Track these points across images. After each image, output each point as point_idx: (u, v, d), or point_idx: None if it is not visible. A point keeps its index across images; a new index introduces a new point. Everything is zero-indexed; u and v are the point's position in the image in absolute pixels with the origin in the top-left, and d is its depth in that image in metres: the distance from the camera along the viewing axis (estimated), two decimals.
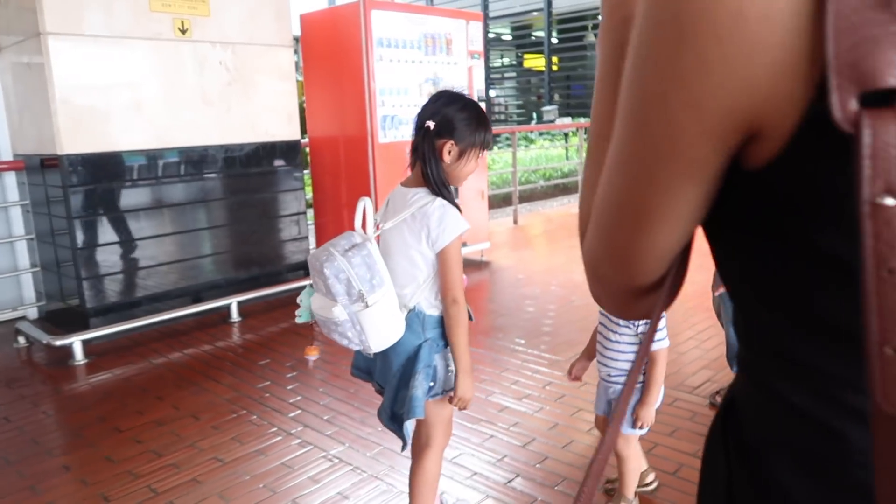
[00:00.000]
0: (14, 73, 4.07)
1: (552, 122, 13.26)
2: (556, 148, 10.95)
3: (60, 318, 4.15)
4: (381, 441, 2.66)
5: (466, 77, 5.30)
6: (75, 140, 3.72)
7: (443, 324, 1.85)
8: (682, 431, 2.66)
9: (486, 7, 16.52)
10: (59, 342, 3.67)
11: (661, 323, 1.86)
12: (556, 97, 16.89)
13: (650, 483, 2.21)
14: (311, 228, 5.24)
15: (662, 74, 0.39)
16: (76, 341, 3.67)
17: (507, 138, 9.45)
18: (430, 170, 1.78)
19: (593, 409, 2.17)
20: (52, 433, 2.94)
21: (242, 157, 4.46)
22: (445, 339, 1.86)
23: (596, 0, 16.35)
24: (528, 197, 9.04)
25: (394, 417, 1.86)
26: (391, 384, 1.86)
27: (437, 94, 1.85)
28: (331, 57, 4.96)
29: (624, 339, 1.93)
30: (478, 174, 5.42)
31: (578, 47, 17.81)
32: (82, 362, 3.66)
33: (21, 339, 3.97)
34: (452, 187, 1.89)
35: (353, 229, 1.81)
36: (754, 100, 0.38)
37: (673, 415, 2.78)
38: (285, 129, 4.67)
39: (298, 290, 4.73)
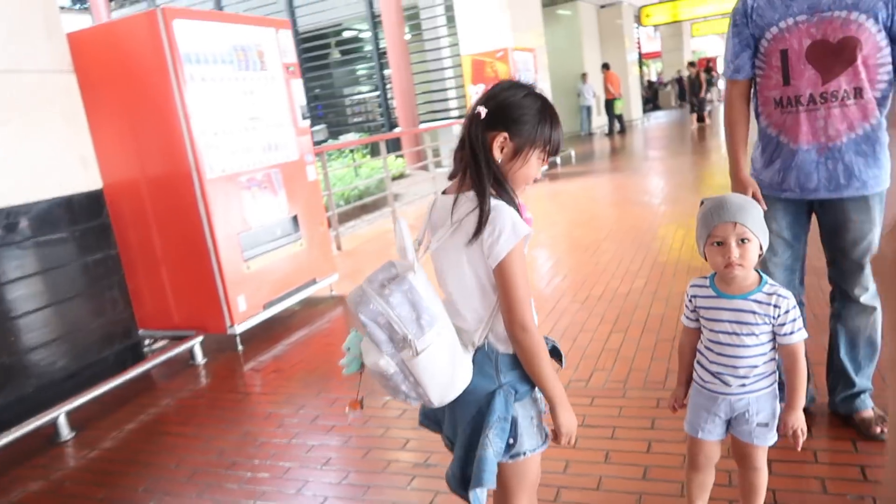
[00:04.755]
0: None
1: (325, 141, 12.78)
2: (341, 168, 10.45)
3: None
4: None
5: (286, 94, 4.64)
6: None
7: (518, 364, 1.45)
8: None
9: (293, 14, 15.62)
10: None
11: (796, 312, 1.60)
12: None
13: None
14: None
15: None
16: None
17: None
18: (479, 164, 1.39)
19: (691, 434, 1.79)
20: None
21: (30, 222, 3.33)
22: (527, 379, 1.46)
23: (337, 16, 16.18)
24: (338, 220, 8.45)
25: (465, 482, 1.43)
26: (461, 440, 1.44)
27: (499, 82, 1.46)
28: (116, 82, 3.98)
29: (762, 338, 1.62)
30: (307, 196, 4.77)
31: (322, 66, 17.50)
32: None
33: None
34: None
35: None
36: None
37: None
38: (82, 177, 3.61)
39: (136, 380, 3.73)
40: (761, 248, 1.59)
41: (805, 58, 2.07)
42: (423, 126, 13.07)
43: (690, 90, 16.02)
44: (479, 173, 1.40)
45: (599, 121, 17.77)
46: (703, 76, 15.90)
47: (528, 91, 1.45)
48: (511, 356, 1.45)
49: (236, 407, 3.32)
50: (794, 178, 2.18)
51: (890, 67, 2.05)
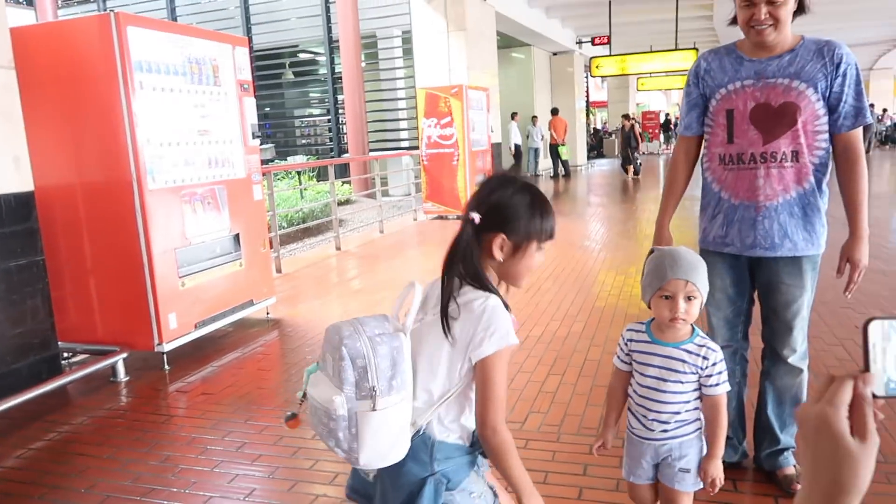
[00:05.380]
0: None
1: (272, 161, 12.61)
2: (287, 189, 10.31)
3: None
4: None
5: (237, 111, 4.56)
6: None
7: (457, 453, 1.43)
8: None
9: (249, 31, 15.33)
10: None
11: (722, 365, 1.68)
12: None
13: None
14: None
15: None
16: None
17: None
18: (462, 264, 1.42)
19: (625, 478, 1.85)
20: None
21: None
22: (464, 468, 1.44)
23: (294, 38, 16.13)
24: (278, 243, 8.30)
25: None
26: None
27: (486, 180, 1.50)
28: (61, 83, 3.83)
29: (688, 387, 1.69)
30: (251, 215, 4.67)
31: (275, 85, 17.38)
32: None
33: None
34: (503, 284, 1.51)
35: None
36: None
37: None
38: (12, 177, 3.44)
39: (51, 394, 3.56)
40: (702, 304, 1.66)
41: (749, 118, 2.18)
42: (373, 154, 13.08)
43: (624, 143, 15.69)
44: (460, 272, 1.41)
45: (546, 163, 18.17)
46: (637, 129, 16.07)
47: (517, 187, 1.46)
48: (449, 445, 1.42)
49: (157, 429, 3.17)
50: (735, 233, 2.26)
51: (827, 136, 2.17)
